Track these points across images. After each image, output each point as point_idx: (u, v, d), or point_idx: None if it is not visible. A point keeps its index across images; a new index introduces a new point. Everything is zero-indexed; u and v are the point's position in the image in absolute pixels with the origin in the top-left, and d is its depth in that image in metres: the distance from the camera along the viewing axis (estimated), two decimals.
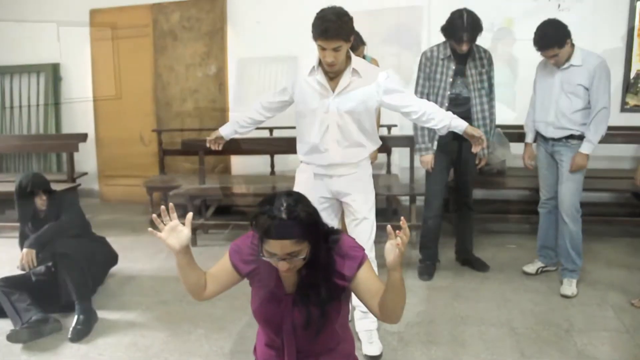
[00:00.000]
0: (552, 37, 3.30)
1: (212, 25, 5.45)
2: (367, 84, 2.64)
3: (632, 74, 5.01)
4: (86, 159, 5.92)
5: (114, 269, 3.87)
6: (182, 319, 3.28)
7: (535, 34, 3.39)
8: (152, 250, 4.53)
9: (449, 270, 3.95)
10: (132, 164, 5.88)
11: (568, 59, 3.39)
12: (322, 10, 2.48)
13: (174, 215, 1.77)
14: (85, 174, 5.67)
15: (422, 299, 3.47)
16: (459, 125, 2.73)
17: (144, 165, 5.83)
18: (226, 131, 2.99)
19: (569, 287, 3.50)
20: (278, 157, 5.45)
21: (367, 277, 1.73)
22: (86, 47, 5.87)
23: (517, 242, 4.54)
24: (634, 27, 4.94)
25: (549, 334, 3.02)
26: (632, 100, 5.03)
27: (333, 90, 2.64)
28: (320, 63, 2.62)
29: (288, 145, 4.90)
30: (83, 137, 5.43)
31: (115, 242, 3.90)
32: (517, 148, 4.41)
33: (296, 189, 2.90)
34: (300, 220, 1.60)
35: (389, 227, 1.64)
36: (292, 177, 5.14)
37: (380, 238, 2.85)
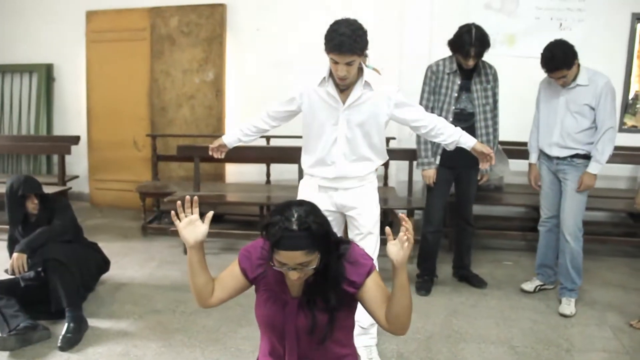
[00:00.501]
0: (561, 59, 3.29)
1: (212, 31, 5.40)
2: (378, 97, 2.59)
3: (631, 95, 5.05)
4: (77, 161, 5.82)
5: (104, 276, 3.78)
6: (176, 330, 3.20)
7: (543, 55, 3.37)
8: (143, 257, 4.44)
9: (447, 286, 3.91)
10: (124, 168, 5.79)
11: (574, 78, 3.38)
12: (337, 23, 2.40)
13: (196, 210, 1.77)
14: (76, 177, 5.56)
15: (420, 314, 3.42)
16: (468, 141, 2.70)
17: (136, 170, 5.75)
18: (229, 139, 2.91)
19: (568, 306, 3.47)
20: (274, 166, 5.40)
21: (376, 285, 1.72)
22: (81, 48, 5.79)
23: (513, 259, 4.52)
24: (634, 48, 4.99)
25: (549, 353, 2.98)
26: (629, 121, 5.06)
27: (343, 103, 2.59)
28: (331, 74, 2.56)
29: (284, 155, 4.90)
30: (75, 139, 5.34)
31: (105, 247, 3.81)
32: (514, 165, 4.41)
33: (300, 198, 2.85)
34: (312, 231, 1.59)
35: (387, 228, 1.66)
36: (288, 186, 5.20)
37: (382, 251, 2.82)
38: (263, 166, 5.45)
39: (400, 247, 1.63)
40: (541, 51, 3.41)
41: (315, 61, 5.32)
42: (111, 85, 5.64)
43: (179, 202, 1.80)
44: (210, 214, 1.77)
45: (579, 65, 3.38)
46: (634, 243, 4.82)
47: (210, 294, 1.82)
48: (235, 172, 5.75)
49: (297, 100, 2.69)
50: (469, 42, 3.33)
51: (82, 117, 5.90)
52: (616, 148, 3.48)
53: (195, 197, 1.79)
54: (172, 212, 1.79)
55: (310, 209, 1.64)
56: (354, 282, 1.70)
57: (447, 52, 3.83)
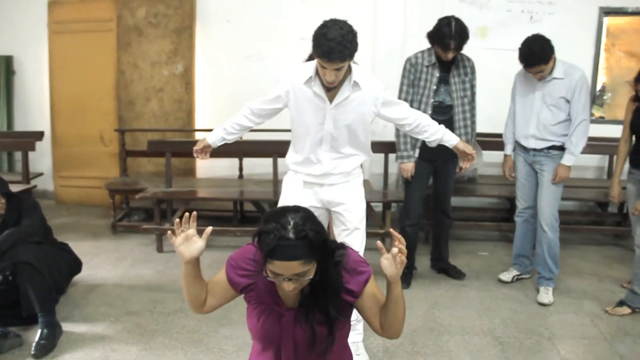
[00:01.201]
0: (539, 55, 3.32)
1: (180, 22, 5.25)
2: (365, 96, 2.54)
3: (598, 87, 5.16)
4: (40, 158, 5.56)
5: (76, 277, 3.62)
6: (155, 331, 3.10)
7: (522, 51, 3.39)
8: (115, 256, 4.30)
9: (425, 278, 3.92)
10: (90, 164, 5.59)
11: (550, 71, 3.42)
12: (325, 26, 2.31)
13: (194, 224, 1.69)
14: (41, 174, 5.34)
15: None
16: (451, 139, 2.71)
17: (103, 166, 5.57)
18: (213, 139, 2.81)
19: (546, 295, 3.53)
20: (245, 160, 5.31)
21: (373, 293, 1.68)
22: (43, 40, 5.53)
23: (488, 250, 4.58)
24: (601, 41, 5.10)
25: (532, 342, 3.03)
26: (597, 112, 5.18)
27: (330, 102, 2.53)
28: (317, 73, 2.49)
29: (258, 149, 4.82)
30: (39, 135, 5.14)
31: (74, 247, 3.61)
32: (488, 156, 4.45)
33: (283, 197, 2.80)
34: (309, 240, 1.50)
35: (378, 242, 1.62)
36: (262, 180, 5.13)
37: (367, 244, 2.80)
38: (234, 160, 5.35)
39: (392, 263, 1.58)
40: (518, 45, 3.44)
41: (287, 54, 5.30)
42: (76, 79, 5.42)
43: (177, 220, 1.71)
44: (209, 229, 1.68)
45: (554, 58, 3.42)
46: (603, 231, 4.95)
47: (203, 303, 1.77)
48: (205, 167, 5.62)
49: (283, 98, 2.62)
50: (449, 35, 3.32)
51: (45, 112, 5.65)
52: None
53: (194, 213, 1.70)
54: (169, 232, 1.71)
55: (307, 215, 1.57)
56: (353, 291, 1.65)
57: (421, 44, 3.83)
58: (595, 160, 5.26)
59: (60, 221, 5.09)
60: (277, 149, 4.55)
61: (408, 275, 3.80)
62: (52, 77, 5.51)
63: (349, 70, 2.49)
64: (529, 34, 3.45)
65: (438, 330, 3.16)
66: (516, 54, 3.44)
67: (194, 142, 5.01)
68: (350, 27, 2.34)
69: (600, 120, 5.18)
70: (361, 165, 2.78)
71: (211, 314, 3.24)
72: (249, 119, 2.75)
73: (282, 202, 2.80)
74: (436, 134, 2.69)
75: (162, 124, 5.42)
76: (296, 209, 1.58)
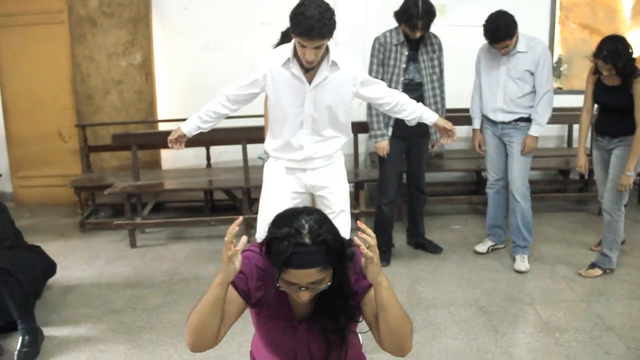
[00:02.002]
0: (504, 31, 3.39)
1: (136, 11, 5.07)
2: (344, 76, 2.53)
3: (555, 59, 5.31)
4: None
5: (49, 280, 3.50)
6: (141, 328, 3.04)
7: (487, 28, 3.45)
8: (87, 255, 4.18)
9: (404, 255, 3.98)
10: (50, 162, 5.38)
11: (514, 46, 3.50)
12: (303, 5, 2.27)
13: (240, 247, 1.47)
14: None
15: None
16: (430, 117, 2.73)
17: (64, 163, 5.38)
18: (188, 128, 2.72)
19: (522, 262, 3.65)
20: (212, 149, 5.23)
21: (373, 299, 1.52)
22: None
23: (460, 223, 4.68)
24: (556, 15, 5.24)
25: (515, 309, 3.13)
26: (555, 83, 5.29)
27: (309, 83, 2.51)
28: (295, 54, 2.46)
29: (226, 136, 4.74)
30: None
31: (43, 249, 3.50)
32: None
33: (266, 184, 2.78)
34: (327, 245, 1.39)
35: (355, 239, 1.48)
36: (231, 168, 5.07)
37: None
38: (200, 149, 5.26)
39: (364, 264, 1.45)
40: (476, 22, 3.53)
41: (247, 40, 5.22)
42: (28, 74, 5.18)
43: (234, 229, 1.45)
44: (244, 239, 1.46)
45: (518, 33, 3.50)
46: (566, 198, 5.14)
47: (217, 333, 1.49)
48: (171, 158, 5.51)
49: (260, 82, 2.57)
50: (416, 15, 3.34)
51: None
52: None
53: (244, 238, 1.47)
54: (230, 245, 1.43)
55: (322, 218, 1.45)
56: (358, 294, 1.55)
57: (382, 24, 3.84)
58: (555, 129, 5.43)
59: (23, 223, 4.87)
60: (245, 135, 4.50)
61: (387, 253, 3.85)
62: (2, 73, 5.24)
63: (327, 50, 2.48)
64: (486, 10, 3.53)
65: (424, 304, 3.23)
66: (474, 29, 3.52)
67: (160, 134, 5.00)
68: (327, 5, 2.33)
69: (558, 91, 5.32)
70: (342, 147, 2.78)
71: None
72: (224, 106, 2.68)
73: (265, 190, 2.78)
74: (415, 112, 2.71)
75: (124, 116, 5.26)
76: (309, 211, 1.46)
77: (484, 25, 3.47)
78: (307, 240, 1.38)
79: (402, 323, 1.49)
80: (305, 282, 1.40)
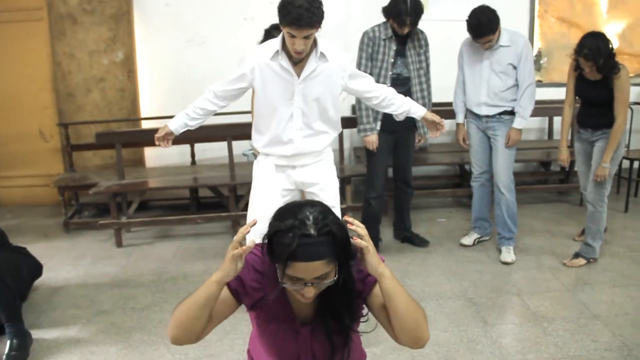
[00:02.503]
0: (487, 26, 3.43)
1: (117, 8, 5.00)
2: (333, 68, 2.55)
3: (535, 52, 5.38)
4: None
5: (36, 282, 3.47)
6: (131, 328, 3.02)
7: (470, 23, 3.49)
8: (72, 255, 4.13)
9: (391, 249, 4.02)
10: (31, 162, 5.30)
11: (496, 40, 3.54)
12: None
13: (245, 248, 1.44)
14: None
15: None
16: (418, 111, 2.75)
17: (45, 162, 5.30)
18: (175, 125, 2.68)
19: (508, 254, 3.71)
20: (196, 146, 5.20)
21: (380, 294, 1.49)
22: None
23: (445, 216, 4.73)
24: (535, 8, 5.31)
25: (503, 300, 3.19)
26: (535, 76, 5.39)
27: (298, 76, 2.52)
28: (283, 47, 2.47)
29: (211, 133, 4.72)
30: None
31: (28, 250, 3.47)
32: None
33: (256, 182, 2.78)
34: (333, 235, 1.35)
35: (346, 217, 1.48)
36: (216, 165, 5.05)
37: None
38: (184, 147, 5.23)
39: (360, 257, 1.43)
40: (458, 16, 3.57)
41: (230, 36, 5.19)
42: (6, 72, 5.08)
43: (245, 230, 1.45)
44: (251, 242, 1.44)
45: (500, 27, 3.54)
46: (548, 189, 5.23)
47: (202, 331, 1.47)
48: (154, 156, 5.46)
49: (248, 77, 2.57)
50: (405, 12, 3.37)
51: None
52: None
53: (252, 240, 1.47)
54: (237, 245, 1.41)
55: (326, 209, 1.41)
56: (363, 291, 1.52)
57: (365, 19, 3.85)
58: (536, 122, 5.52)
59: (5, 224, 4.75)
60: (230, 132, 4.48)
61: (375, 248, 3.87)
62: None
63: (315, 42, 2.50)
64: (468, 5, 3.57)
65: (414, 297, 3.24)
66: (457, 24, 3.55)
67: (144, 132, 4.97)
68: None
69: (539, 84, 5.33)
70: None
71: None
72: (212, 103, 2.67)
73: (255, 187, 2.78)
74: (403, 106, 2.73)
75: (106, 114, 5.20)
76: (312, 203, 1.42)
77: (467, 21, 3.51)
78: (312, 231, 1.33)
79: (413, 311, 1.45)
80: (311, 276, 1.35)
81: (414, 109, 2.74)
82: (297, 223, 1.34)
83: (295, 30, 2.30)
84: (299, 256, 1.32)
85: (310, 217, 1.35)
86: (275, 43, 2.49)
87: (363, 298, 1.53)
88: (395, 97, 2.72)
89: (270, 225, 1.40)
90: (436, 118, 2.75)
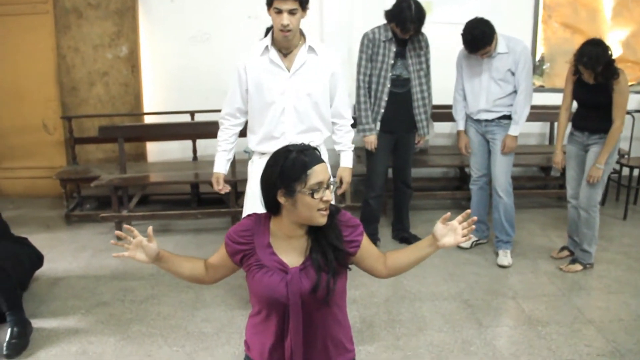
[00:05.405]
0: (481, 40, 3.46)
1: (122, 3, 5.02)
2: (322, 61, 2.61)
3: (538, 57, 5.41)
4: None
5: (37, 272, 3.51)
6: (130, 320, 3.06)
7: (464, 37, 3.51)
8: (73, 247, 4.17)
9: (389, 249, 3.92)
10: (34, 154, 5.33)
11: (494, 48, 3.56)
12: None
13: (136, 232, 1.72)
14: None
15: (372, 278, 3.40)
16: (344, 161, 2.88)
17: (48, 155, 5.33)
18: (220, 167, 2.83)
19: (505, 257, 3.73)
20: (199, 142, 5.23)
21: (368, 242, 1.76)
22: None
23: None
24: (539, 13, 5.33)
25: (498, 302, 3.21)
26: (537, 81, 5.42)
27: (288, 70, 2.57)
28: (273, 43, 2.55)
29: (212, 129, 4.72)
30: None
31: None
32: (437, 127, 4.59)
33: (250, 182, 2.82)
34: (317, 150, 1.66)
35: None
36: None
37: None
38: (186, 142, 5.26)
39: (452, 238, 1.72)
40: (462, 18, 3.57)
41: (233, 33, 5.21)
42: (11, 65, 5.10)
43: (118, 233, 1.77)
44: (149, 229, 1.73)
45: (496, 36, 3.55)
46: (547, 194, 5.26)
47: (202, 277, 1.82)
48: (156, 151, 5.50)
49: (243, 76, 2.64)
50: (410, 19, 3.41)
51: None
52: None
53: (129, 226, 1.78)
54: (114, 254, 1.76)
55: (301, 143, 1.69)
56: (355, 242, 1.71)
57: (368, 20, 3.87)
58: (537, 127, 5.54)
59: (7, 215, 4.71)
60: None
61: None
62: None
63: (304, 37, 2.59)
64: (472, 8, 3.58)
65: (409, 297, 3.29)
66: (460, 27, 3.55)
67: (146, 127, 5.00)
68: None
69: (541, 89, 5.43)
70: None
71: (183, 298, 3.29)
72: (234, 125, 2.80)
73: (249, 187, 2.83)
74: (341, 143, 2.85)
75: (109, 109, 5.23)
76: (285, 146, 1.68)
77: (462, 35, 3.52)
78: (302, 148, 1.62)
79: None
80: (327, 176, 1.61)
81: (344, 155, 2.87)
82: (286, 151, 1.61)
83: (280, 2, 2.38)
84: (309, 164, 1.58)
85: (289, 147, 1.64)
86: (265, 40, 2.58)
87: (356, 246, 1.71)
88: (345, 135, 2.84)
89: (272, 175, 1.61)
90: (345, 180, 2.87)
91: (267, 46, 2.57)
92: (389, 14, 3.51)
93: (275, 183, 1.60)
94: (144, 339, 2.86)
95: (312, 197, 1.58)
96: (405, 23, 3.41)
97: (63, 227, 4.63)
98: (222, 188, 2.82)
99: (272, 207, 1.67)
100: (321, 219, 1.63)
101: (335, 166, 2.86)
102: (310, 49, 2.58)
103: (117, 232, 1.77)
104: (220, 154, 2.82)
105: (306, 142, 2.61)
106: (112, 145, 5.16)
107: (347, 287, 1.82)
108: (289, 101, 2.61)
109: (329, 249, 1.66)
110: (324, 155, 2.82)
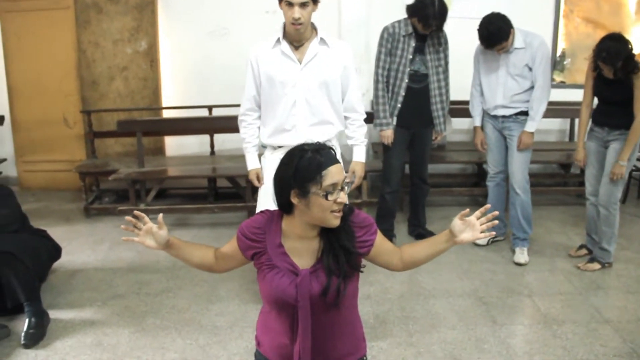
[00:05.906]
0: (497, 35, 3.41)
1: None
2: (334, 54, 2.61)
3: (559, 52, 5.32)
4: (0, 143, 5.38)
5: (55, 264, 3.56)
6: (145, 313, 3.09)
7: (480, 33, 3.46)
8: (92, 239, 4.23)
9: (405, 245, 4.01)
10: (55, 147, 5.42)
11: (511, 43, 3.51)
12: None
13: (147, 219, 1.73)
14: (4, 160, 5.16)
15: (387, 275, 3.49)
16: (357, 155, 2.88)
17: (68, 148, 5.42)
18: (253, 162, 2.89)
19: (522, 255, 3.69)
20: (217, 136, 5.26)
21: (382, 238, 1.73)
22: None
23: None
24: (560, 7, 5.24)
25: (513, 300, 3.18)
26: (558, 77, 5.35)
27: (300, 62, 2.58)
28: (284, 35, 2.56)
29: (229, 124, 4.74)
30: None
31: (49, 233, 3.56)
32: (455, 123, 4.54)
33: (265, 176, 2.82)
34: (332, 149, 1.62)
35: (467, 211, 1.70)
36: (234, 156, 5.10)
37: None
38: (204, 137, 5.30)
39: (470, 234, 1.68)
40: (481, 13, 3.51)
41: (252, 28, 5.22)
42: (34, 60, 5.20)
43: (128, 218, 1.75)
44: (160, 216, 1.73)
45: (513, 31, 3.49)
46: (567, 192, 5.18)
47: (212, 266, 1.82)
48: (175, 145, 5.55)
49: (255, 68, 2.66)
50: (432, 15, 3.38)
51: (2, 96, 5.39)
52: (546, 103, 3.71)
53: (141, 214, 1.74)
54: (123, 238, 1.75)
55: (317, 142, 1.66)
56: (368, 241, 1.68)
57: (386, 15, 3.83)
58: (557, 123, 5.45)
59: (28, 207, 4.92)
60: None
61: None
62: (8, 59, 5.26)
63: (315, 30, 2.59)
64: (492, 2, 3.52)
65: (424, 294, 3.27)
66: (479, 22, 3.50)
67: (164, 121, 5.04)
68: None
69: (561, 85, 5.35)
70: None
71: (198, 292, 3.31)
72: (256, 119, 2.81)
73: (264, 182, 2.84)
74: (354, 138, 2.84)
75: (128, 103, 5.30)
76: (302, 144, 1.64)
77: (478, 31, 3.48)
78: (318, 147, 1.57)
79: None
80: (341, 176, 1.57)
81: (357, 150, 2.87)
82: (302, 150, 1.56)
83: None
84: (324, 164, 1.54)
85: (304, 146, 1.59)
86: (277, 33, 2.59)
87: (370, 245, 1.67)
88: (358, 129, 2.82)
89: (286, 174, 1.56)
90: (358, 172, 2.86)
91: (278, 38, 2.58)
92: (410, 9, 3.48)
93: (290, 183, 1.57)
94: (158, 332, 2.89)
95: (326, 198, 1.54)
96: (428, 19, 3.38)
97: (82, 219, 4.70)
98: (260, 180, 2.88)
99: (285, 206, 1.64)
100: (334, 221, 1.60)
101: (344, 162, 2.86)
102: (322, 41, 2.59)
103: (128, 217, 1.76)
104: (250, 151, 2.86)
105: (318, 135, 2.66)
106: (130, 139, 5.22)
107: (360, 283, 1.80)
108: (300, 93, 2.62)
109: (341, 252, 1.63)
110: (336, 150, 2.81)
